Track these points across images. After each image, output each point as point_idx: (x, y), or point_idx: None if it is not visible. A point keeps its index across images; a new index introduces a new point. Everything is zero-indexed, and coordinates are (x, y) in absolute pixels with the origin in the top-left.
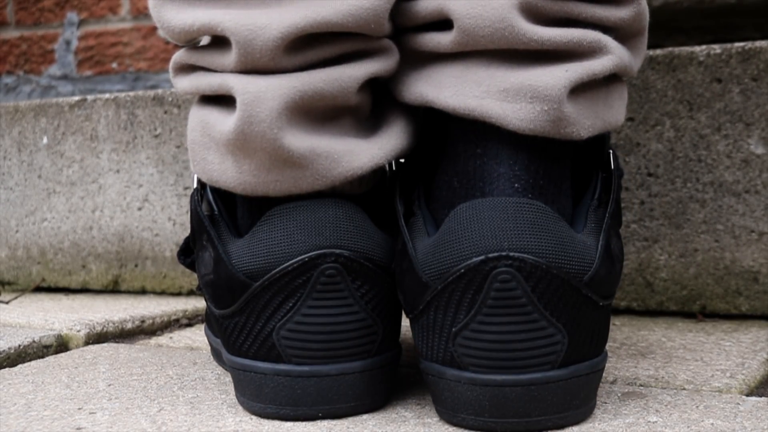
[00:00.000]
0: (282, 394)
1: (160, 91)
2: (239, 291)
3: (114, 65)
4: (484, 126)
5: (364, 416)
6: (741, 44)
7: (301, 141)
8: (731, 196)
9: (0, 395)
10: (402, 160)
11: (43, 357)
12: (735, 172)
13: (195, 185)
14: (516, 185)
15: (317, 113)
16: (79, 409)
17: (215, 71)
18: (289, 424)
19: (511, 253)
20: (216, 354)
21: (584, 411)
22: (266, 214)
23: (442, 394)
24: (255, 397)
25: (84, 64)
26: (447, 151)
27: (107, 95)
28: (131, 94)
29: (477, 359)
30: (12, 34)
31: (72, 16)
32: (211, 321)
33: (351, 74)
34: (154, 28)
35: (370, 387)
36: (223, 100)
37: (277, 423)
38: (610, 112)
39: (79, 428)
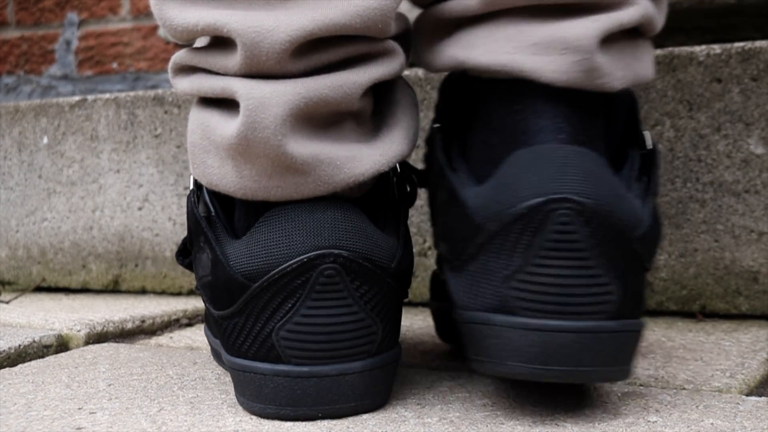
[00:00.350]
0: (282, 395)
1: (160, 91)
2: (238, 292)
3: (114, 65)
4: (520, 82)
5: (364, 416)
6: (741, 44)
7: (304, 147)
8: (731, 196)
9: (0, 395)
10: (437, 125)
11: (43, 357)
12: (735, 172)
13: (191, 186)
14: (560, 136)
15: (320, 119)
16: (79, 408)
17: (217, 74)
18: (289, 424)
19: (573, 197)
20: (216, 354)
21: (626, 370)
22: (264, 216)
23: (487, 341)
24: (255, 397)
25: (84, 64)
26: (480, 113)
27: (107, 95)
28: (131, 94)
29: (531, 303)
30: (12, 34)
31: (72, 16)
32: (210, 322)
33: (355, 80)
34: (155, 28)
35: (370, 387)
36: (224, 103)
37: (277, 423)
38: (640, 65)
39: (79, 428)
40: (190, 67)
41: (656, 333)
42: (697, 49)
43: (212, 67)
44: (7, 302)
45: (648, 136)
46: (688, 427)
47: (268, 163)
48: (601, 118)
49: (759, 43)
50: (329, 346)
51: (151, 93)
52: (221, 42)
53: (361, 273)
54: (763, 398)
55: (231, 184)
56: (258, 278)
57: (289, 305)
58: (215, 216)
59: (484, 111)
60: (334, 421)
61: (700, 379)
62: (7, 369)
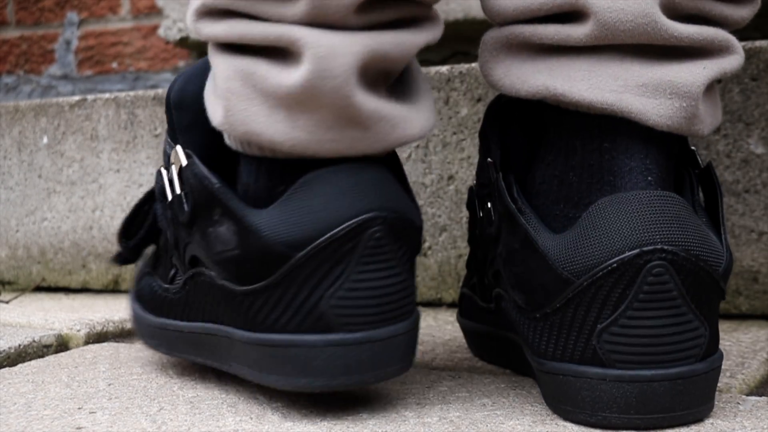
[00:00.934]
0: (335, 365)
1: (160, 90)
2: (276, 263)
3: (114, 65)
4: (612, 120)
5: (364, 415)
6: (741, 44)
7: (369, 102)
8: (731, 196)
9: (0, 395)
10: (489, 159)
11: (43, 356)
12: (735, 171)
13: (183, 161)
14: (649, 178)
15: (379, 75)
16: (79, 408)
17: (269, 21)
18: (289, 423)
19: (665, 246)
20: (151, 336)
21: (711, 405)
22: (301, 181)
23: (579, 393)
24: (300, 372)
25: (84, 63)
26: (557, 146)
27: (107, 95)
28: (131, 93)
29: (624, 355)
30: (12, 33)
31: (72, 15)
32: (160, 306)
33: (413, 40)
34: (155, 28)
35: (410, 347)
36: (273, 51)
37: (277, 422)
38: (719, 110)
39: (79, 428)
40: (226, 11)
41: None
42: None
43: (262, 14)
44: (7, 302)
45: (696, 154)
46: (688, 427)
47: (331, 113)
48: (675, 155)
49: (759, 43)
50: (380, 309)
51: (151, 93)
52: None
53: (403, 234)
54: (763, 398)
55: (279, 134)
56: (303, 246)
57: (338, 272)
58: (224, 186)
59: (562, 144)
60: (334, 421)
61: None
62: (7, 369)
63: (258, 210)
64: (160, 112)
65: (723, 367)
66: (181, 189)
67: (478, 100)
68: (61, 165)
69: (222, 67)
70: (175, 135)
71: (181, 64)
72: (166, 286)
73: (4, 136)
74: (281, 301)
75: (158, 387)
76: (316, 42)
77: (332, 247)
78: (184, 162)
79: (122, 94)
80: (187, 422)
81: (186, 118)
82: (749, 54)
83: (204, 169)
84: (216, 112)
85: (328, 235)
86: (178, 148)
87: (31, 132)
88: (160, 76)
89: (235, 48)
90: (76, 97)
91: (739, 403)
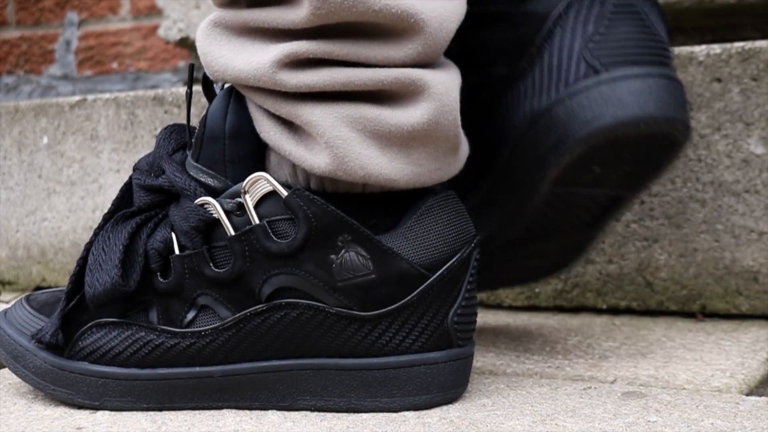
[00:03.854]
0: (452, 378)
1: (160, 91)
2: (413, 284)
3: (114, 65)
4: None
5: (364, 416)
6: (741, 44)
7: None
8: (731, 196)
9: (0, 395)
10: None
11: None
12: (735, 171)
13: (283, 191)
14: None
15: None
16: (80, 408)
17: (376, 66)
18: (289, 423)
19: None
20: (126, 398)
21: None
22: (423, 208)
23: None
24: (421, 390)
25: (84, 64)
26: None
27: (107, 95)
28: (131, 94)
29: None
30: (12, 34)
31: (72, 16)
32: (157, 356)
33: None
34: (155, 28)
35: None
36: (378, 95)
37: (277, 423)
38: None
39: (79, 428)
40: (318, 60)
41: (656, 333)
42: (697, 49)
43: (367, 60)
44: (8, 302)
45: None
46: (688, 427)
47: (444, 144)
48: None
49: (759, 43)
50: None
51: (151, 93)
52: (367, 31)
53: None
54: (763, 398)
55: (396, 171)
56: (437, 268)
57: (456, 291)
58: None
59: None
60: (334, 421)
61: (700, 379)
62: (7, 369)
63: (388, 234)
64: (160, 113)
65: (723, 367)
66: (279, 217)
67: None
68: (61, 165)
69: (320, 115)
70: (218, 166)
71: (181, 64)
72: (178, 330)
73: (5, 136)
74: (410, 320)
75: None
76: (434, 80)
77: (456, 267)
78: (284, 192)
79: (122, 95)
80: (187, 422)
81: (242, 149)
82: (749, 54)
83: (318, 197)
84: (317, 159)
85: (457, 256)
86: (269, 177)
87: (31, 132)
88: (160, 76)
89: (333, 95)
90: (76, 98)
91: (739, 403)
